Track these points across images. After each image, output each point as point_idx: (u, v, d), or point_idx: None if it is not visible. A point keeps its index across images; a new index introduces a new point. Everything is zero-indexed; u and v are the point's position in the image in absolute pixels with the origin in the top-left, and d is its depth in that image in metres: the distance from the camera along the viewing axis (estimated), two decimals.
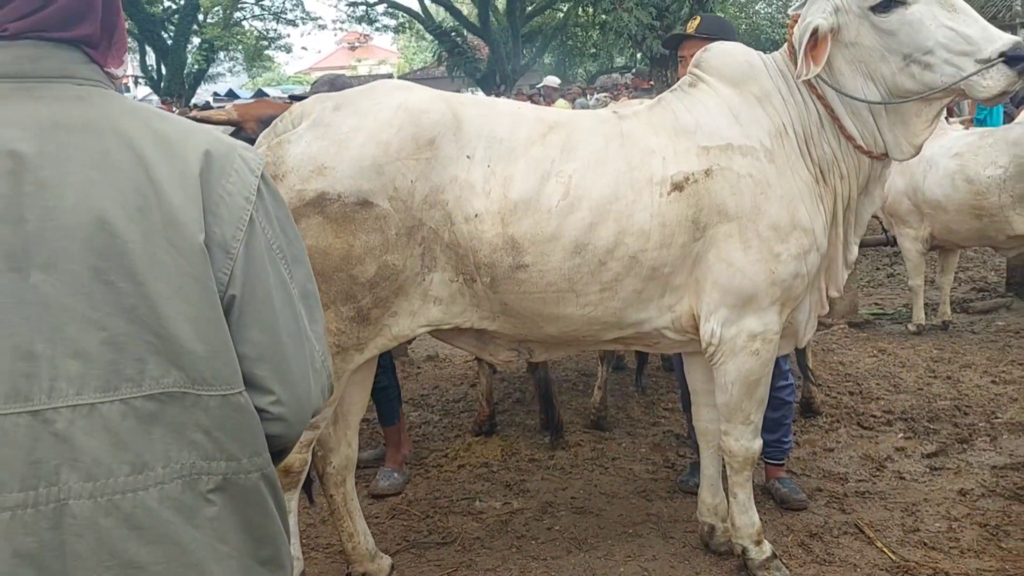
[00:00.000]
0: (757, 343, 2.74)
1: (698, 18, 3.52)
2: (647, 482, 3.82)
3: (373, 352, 2.71)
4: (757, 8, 28.84)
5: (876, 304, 6.73)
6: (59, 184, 1.06)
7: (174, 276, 1.09)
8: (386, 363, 3.77)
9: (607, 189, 2.59)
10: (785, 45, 2.74)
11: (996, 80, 2.34)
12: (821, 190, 2.70)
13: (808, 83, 2.65)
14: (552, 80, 13.92)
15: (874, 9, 2.45)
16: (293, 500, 2.83)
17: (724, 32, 3.41)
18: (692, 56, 2.96)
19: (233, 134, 3.30)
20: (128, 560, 1.07)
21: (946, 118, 6.70)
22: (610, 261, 2.59)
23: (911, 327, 5.84)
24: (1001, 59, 2.32)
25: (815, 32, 2.51)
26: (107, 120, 1.11)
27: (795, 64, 2.63)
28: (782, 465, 3.67)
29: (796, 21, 2.68)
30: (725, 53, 2.80)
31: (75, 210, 1.06)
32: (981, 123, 7.71)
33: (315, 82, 4.03)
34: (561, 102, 11.27)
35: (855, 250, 2.89)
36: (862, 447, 4.08)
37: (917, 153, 2.65)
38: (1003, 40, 2.33)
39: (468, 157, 2.57)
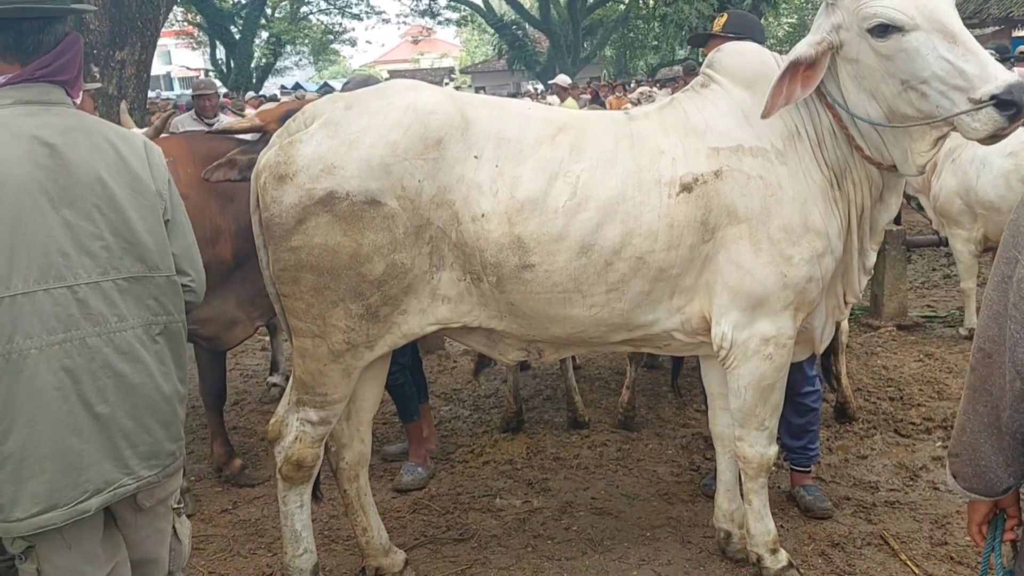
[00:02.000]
0: (770, 347, 2.68)
1: (725, 15, 3.43)
2: (670, 484, 3.78)
3: (384, 349, 2.74)
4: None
5: (928, 307, 6.50)
6: (75, 160, 1.83)
7: (138, 208, 1.91)
8: (404, 360, 3.81)
9: (615, 190, 2.57)
10: None
11: (984, 123, 2.23)
12: (836, 194, 2.63)
13: (818, 91, 2.58)
14: (563, 79, 14.37)
15: (871, 32, 2.35)
16: (306, 494, 2.88)
17: (751, 30, 3.33)
18: None
19: (260, 138, 3.36)
20: (117, 371, 1.85)
21: None
22: (617, 262, 2.57)
23: (962, 331, 5.63)
24: (992, 102, 2.19)
25: (793, 64, 2.44)
26: (92, 125, 1.93)
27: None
28: (808, 472, 3.58)
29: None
30: (738, 53, 2.74)
31: (85, 173, 1.84)
32: None
33: (347, 83, 4.08)
34: (570, 101, 11.31)
35: (873, 256, 2.81)
36: (897, 455, 3.96)
37: (922, 172, 2.55)
38: (998, 82, 2.19)
39: (476, 157, 2.58)
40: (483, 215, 2.55)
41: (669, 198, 2.58)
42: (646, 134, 2.69)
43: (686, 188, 2.59)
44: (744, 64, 2.72)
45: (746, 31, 3.29)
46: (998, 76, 2.21)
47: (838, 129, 2.61)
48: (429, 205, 2.55)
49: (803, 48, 2.46)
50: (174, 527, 2.12)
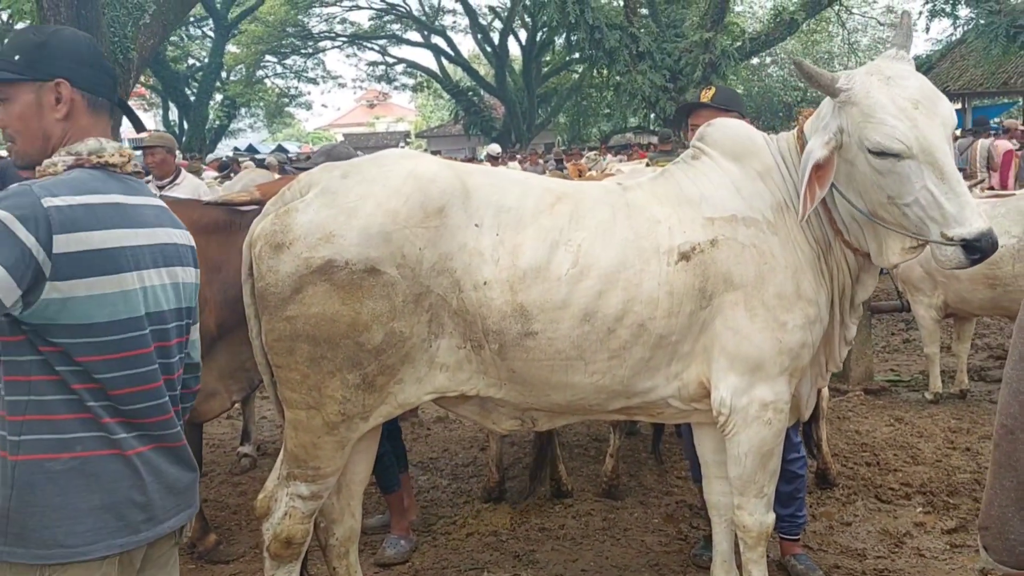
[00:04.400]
0: (769, 412, 2.69)
1: (713, 88, 3.53)
2: (659, 555, 3.72)
3: (378, 420, 2.68)
4: (769, 71, 29.26)
5: (892, 370, 6.63)
6: None
7: None
8: (383, 429, 3.72)
9: (615, 258, 2.58)
10: (795, 130, 2.77)
11: (950, 258, 2.39)
12: (822, 266, 2.71)
13: None
14: (494, 148, 15.64)
15: (870, 151, 2.45)
16: (294, 573, 2.77)
17: (738, 105, 3.45)
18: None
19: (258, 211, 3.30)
20: None
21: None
22: (619, 329, 2.57)
23: (928, 395, 5.74)
24: (961, 243, 2.34)
25: (815, 167, 2.51)
26: None
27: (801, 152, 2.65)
28: (798, 540, 3.56)
29: (808, 116, 2.75)
30: (728, 128, 2.83)
31: None
32: None
33: (315, 152, 4.07)
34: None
35: (853, 329, 2.91)
36: (880, 521, 3.97)
37: (894, 267, 2.71)
38: (970, 228, 2.33)
39: (477, 225, 2.57)
40: (485, 283, 2.54)
41: (668, 266, 2.61)
42: (641, 204, 2.73)
43: (684, 257, 2.62)
44: (733, 139, 2.81)
45: (732, 104, 3.41)
46: (972, 222, 2.35)
47: (822, 211, 2.69)
48: (429, 273, 2.53)
49: (819, 150, 2.52)
50: None
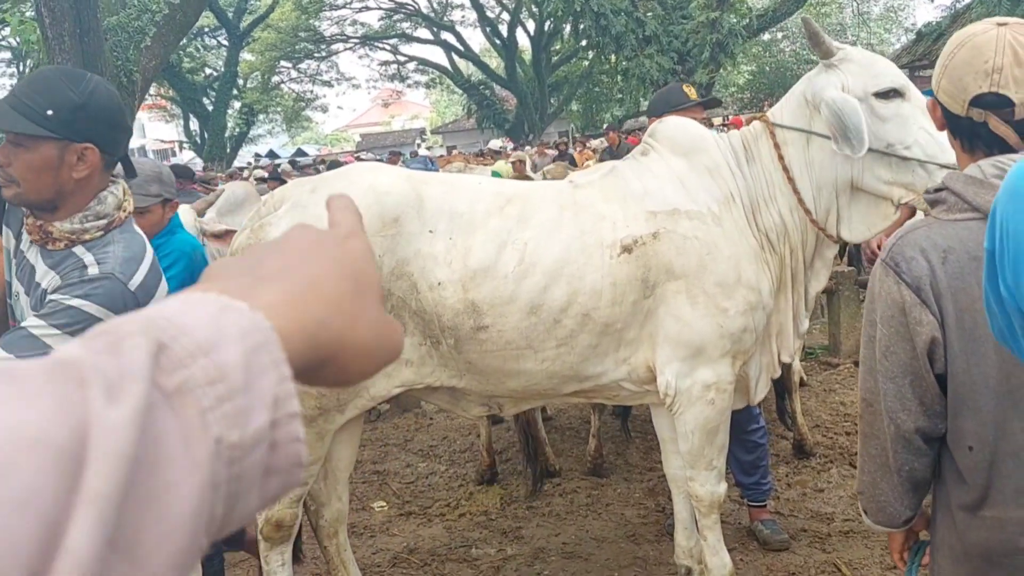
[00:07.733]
0: (712, 393, 2.91)
1: (692, 87, 3.75)
2: (637, 526, 3.96)
3: (354, 412, 2.94)
4: (782, 47, 29.10)
5: None
6: None
7: None
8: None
9: (560, 254, 2.81)
10: (754, 124, 2.95)
11: None
12: (767, 256, 2.88)
13: (776, 147, 2.84)
14: (494, 143, 16.12)
15: (877, 95, 2.62)
16: (287, 553, 3.05)
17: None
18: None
19: None
20: None
21: None
22: (564, 319, 2.80)
23: None
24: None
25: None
26: None
27: (771, 140, 2.84)
28: (764, 506, 3.78)
29: (766, 117, 2.92)
30: (678, 126, 3.02)
31: None
32: None
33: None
34: (500, 164, 11.10)
35: (806, 323, 3.05)
36: (852, 487, 4.16)
37: (865, 239, 2.86)
38: None
39: (431, 232, 2.82)
40: (439, 284, 2.79)
41: (611, 259, 2.83)
42: (588, 202, 2.94)
43: (626, 249, 2.84)
44: (683, 136, 2.99)
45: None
46: None
47: (787, 189, 2.82)
48: (389, 277, 2.79)
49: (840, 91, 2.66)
50: None
